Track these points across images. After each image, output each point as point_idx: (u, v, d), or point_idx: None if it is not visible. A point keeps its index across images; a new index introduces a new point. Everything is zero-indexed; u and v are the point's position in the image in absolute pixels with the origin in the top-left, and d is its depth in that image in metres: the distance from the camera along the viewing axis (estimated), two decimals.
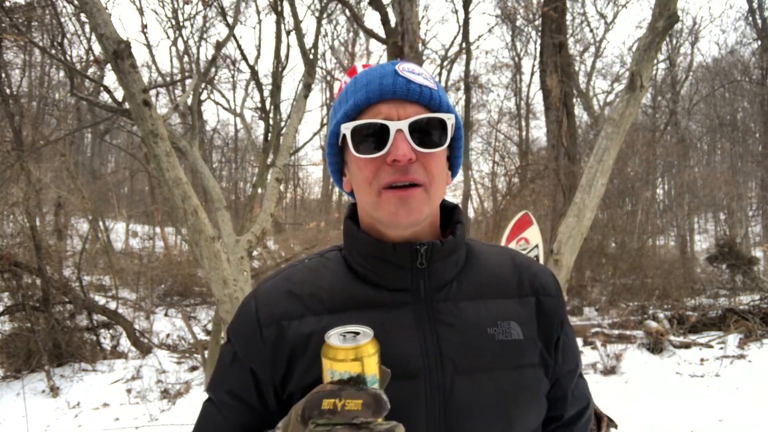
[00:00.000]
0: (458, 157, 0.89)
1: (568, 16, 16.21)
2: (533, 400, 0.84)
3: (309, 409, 0.62)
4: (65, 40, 9.52)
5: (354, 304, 0.80)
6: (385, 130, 0.76)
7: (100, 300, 9.04)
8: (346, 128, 0.79)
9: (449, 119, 0.80)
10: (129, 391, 5.99)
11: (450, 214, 0.90)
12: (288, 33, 9.01)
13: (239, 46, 9.26)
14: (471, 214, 20.60)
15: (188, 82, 9.83)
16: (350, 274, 0.85)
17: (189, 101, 6.93)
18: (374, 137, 0.77)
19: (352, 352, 0.62)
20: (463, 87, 18.91)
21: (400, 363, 0.67)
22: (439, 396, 0.77)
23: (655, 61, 4.45)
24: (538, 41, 14.84)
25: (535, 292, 0.89)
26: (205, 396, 0.88)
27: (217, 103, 20.77)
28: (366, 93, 0.79)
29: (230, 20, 8.80)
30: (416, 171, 0.77)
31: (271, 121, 8.60)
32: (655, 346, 7.12)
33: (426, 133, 0.78)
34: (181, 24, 13.64)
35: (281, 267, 0.92)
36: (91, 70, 12.84)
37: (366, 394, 0.61)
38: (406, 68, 0.81)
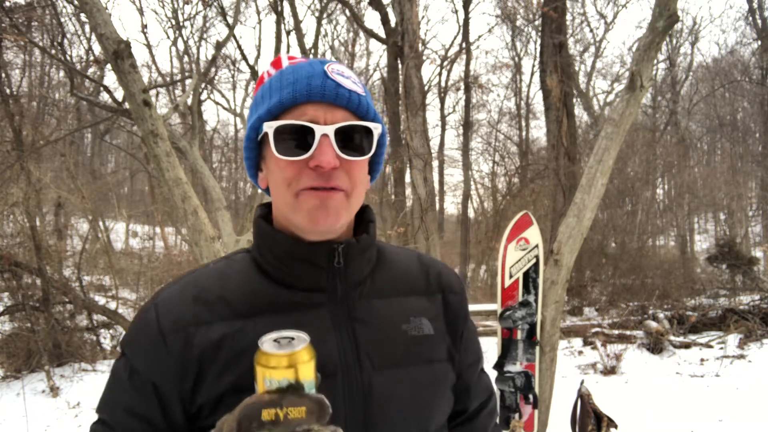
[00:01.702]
0: (379, 164, 0.89)
1: (568, 16, 16.22)
2: (444, 394, 0.86)
3: (246, 421, 0.56)
4: (65, 40, 9.52)
5: (267, 306, 0.77)
6: (310, 132, 0.74)
7: (100, 300, 9.04)
8: (269, 127, 0.75)
9: (376, 128, 0.79)
10: None
11: (361, 213, 0.89)
12: (288, 33, 9.03)
13: (239, 46, 9.27)
14: (471, 214, 20.59)
15: (188, 82, 9.83)
16: (261, 275, 0.81)
17: (189, 101, 6.94)
18: (298, 139, 0.75)
19: (289, 358, 0.58)
20: (463, 87, 18.93)
21: (319, 363, 0.63)
22: (359, 394, 0.77)
23: (655, 61, 4.46)
24: (538, 41, 14.84)
25: (441, 290, 0.91)
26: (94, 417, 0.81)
27: (217, 103, 20.79)
28: (293, 92, 0.76)
29: (230, 20, 8.81)
30: (339, 177, 0.76)
31: None
32: (655, 346, 7.12)
33: (351, 140, 0.76)
34: (181, 24, 13.65)
35: (183, 273, 0.86)
36: (91, 70, 12.85)
37: (309, 401, 0.58)
38: (335, 70, 0.78)
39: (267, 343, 0.60)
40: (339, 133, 0.75)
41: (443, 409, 0.86)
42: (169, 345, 0.74)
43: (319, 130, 0.74)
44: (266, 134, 0.76)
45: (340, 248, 0.79)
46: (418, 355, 0.83)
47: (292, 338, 0.61)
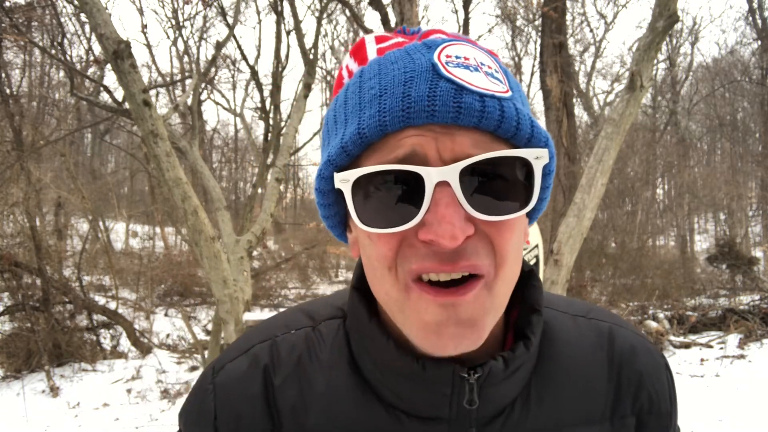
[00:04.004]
0: (544, 200, 0.57)
1: (568, 16, 16.22)
2: None
3: None
4: (65, 40, 9.53)
5: None
6: (416, 182, 0.45)
7: (100, 300, 9.04)
8: (343, 181, 0.47)
9: (539, 157, 0.47)
10: (129, 391, 5.99)
11: (518, 284, 0.57)
12: (288, 33, 9.02)
13: (239, 46, 9.27)
14: None
15: (188, 82, 9.83)
16: (356, 377, 0.56)
17: (189, 101, 6.94)
18: (396, 196, 0.46)
19: None
20: None
21: None
22: None
23: (655, 61, 4.45)
24: (538, 41, 14.84)
25: (638, 410, 0.58)
26: None
27: (217, 103, 20.78)
28: (380, 112, 0.46)
29: (230, 20, 8.81)
30: (475, 253, 0.46)
31: (271, 121, 8.61)
32: (655, 346, 7.13)
33: (495, 185, 0.46)
34: (181, 24, 13.65)
35: (254, 326, 0.64)
36: (91, 70, 12.85)
37: None
38: (453, 57, 0.47)
39: None
40: (469, 174, 0.45)
41: None
42: None
43: (431, 175, 0.44)
44: (342, 192, 0.49)
45: (474, 378, 0.51)
46: None
47: None
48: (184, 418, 0.62)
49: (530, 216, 0.57)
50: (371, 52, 0.53)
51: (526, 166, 0.46)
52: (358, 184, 0.46)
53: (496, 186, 0.45)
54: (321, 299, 0.64)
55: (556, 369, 0.56)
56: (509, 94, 0.47)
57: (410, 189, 0.44)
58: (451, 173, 0.44)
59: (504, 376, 0.52)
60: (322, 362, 0.57)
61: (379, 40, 0.54)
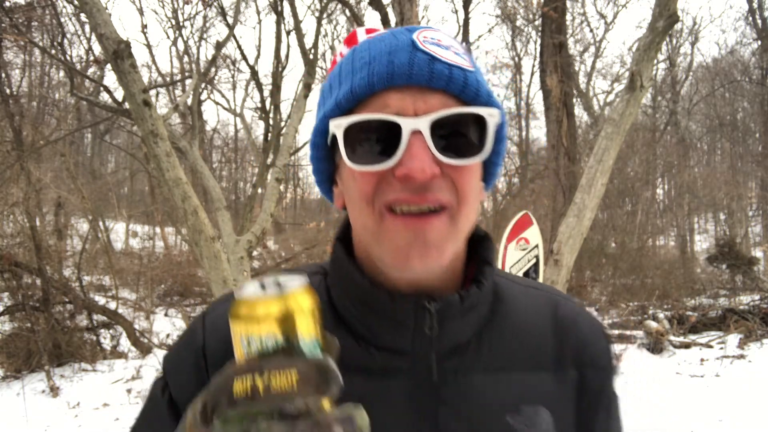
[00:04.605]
0: (497, 165, 0.65)
1: (568, 16, 16.22)
2: None
3: (213, 398, 0.41)
4: (65, 40, 9.53)
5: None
6: (395, 130, 0.54)
7: (100, 300, 9.04)
8: (337, 126, 0.55)
9: (491, 116, 0.56)
10: (129, 391, 5.99)
11: (475, 246, 0.66)
12: (288, 33, 9.03)
13: (239, 46, 9.28)
14: None
15: (188, 82, 9.83)
16: (332, 313, 0.62)
17: (189, 101, 6.94)
18: (379, 140, 0.54)
19: (276, 304, 0.41)
20: None
21: None
22: None
23: (655, 61, 4.45)
24: (538, 41, 14.83)
25: (577, 363, 0.65)
26: None
27: (217, 103, 20.78)
28: (369, 75, 0.55)
29: (230, 20, 8.81)
30: (440, 189, 0.55)
31: (271, 121, 8.62)
32: (655, 346, 7.12)
33: (457, 136, 0.55)
34: (181, 24, 13.65)
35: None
36: (91, 70, 12.85)
37: (302, 363, 0.41)
38: (429, 38, 0.57)
39: (249, 287, 0.44)
40: (437, 127, 0.54)
41: None
42: (209, 372, 0.60)
43: (407, 125, 0.53)
44: (335, 137, 0.57)
45: (434, 308, 0.58)
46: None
47: (282, 282, 0.44)
48: (167, 358, 0.66)
49: (486, 181, 0.66)
50: (362, 38, 0.66)
51: (481, 122, 0.56)
52: (349, 130, 0.55)
53: (458, 136, 0.55)
54: (306, 263, 0.74)
55: (506, 323, 0.64)
56: (472, 69, 0.58)
57: (390, 135, 0.54)
58: (423, 124, 0.53)
59: (459, 312, 0.60)
60: None
61: (369, 32, 0.67)
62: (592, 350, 0.66)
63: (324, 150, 0.62)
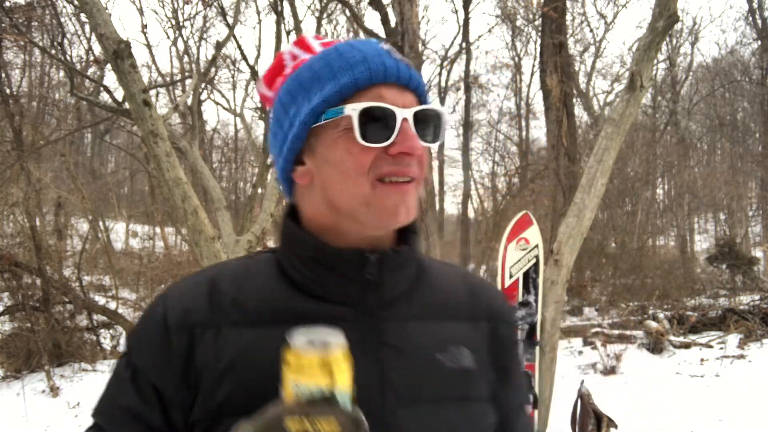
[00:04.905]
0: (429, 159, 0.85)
1: (568, 16, 16.21)
2: None
3: (267, 428, 0.50)
4: (65, 40, 9.52)
5: (284, 316, 0.68)
6: (391, 116, 0.67)
7: (100, 300, 9.04)
8: (353, 109, 0.67)
9: (444, 113, 0.74)
10: None
11: None
12: (288, 33, 9.03)
13: (239, 46, 9.28)
14: (471, 214, 20.58)
15: (188, 82, 9.84)
16: (283, 280, 0.73)
17: (189, 101, 6.94)
18: (379, 123, 0.67)
19: (323, 360, 0.50)
20: (463, 87, 18.92)
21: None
22: (377, 430, 0.64)
23: (655, 61, 4.45)
24: (538, 41, 14.84)
25: (489, 317, 0.80)
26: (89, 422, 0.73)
27: (217, 103, 20.77)
28: (369, 70, 0.68)
29: (230, 20, 8.81)
30: (413, 165, 0.70)
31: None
32: (655, 346, 7.12)
33: (427, 125, 0.71)
34: (181, 24, 13.66)
35: (204, 268, 0.80)
36: (91, 70, 12.85)
37: (343, 414, 0.51)
38: (395, 53, 0.72)
39: (299, 340, 0.52)
40: (416, 117, 0.69)
41: None
42: (173, 346, 0.68)
43: (400, 113, 0.68)
44: (346, 117, 0.68)
45: (374, 258, 0.70)
46: (452, 391, 0.72)
47: (325, 339, 0.52)
48: (131, 337, 0.74)
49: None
50: (315, 45, 0.76)
51: (440, 117, 0.73)
52: (362, 113, 0.67)
53: (427, 125, 0.71)
54: (255, 250, 0.87)
55: (430, 285, 0.78)
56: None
57: (388, 120, 0.68)
58: (409, 114, 0.69)
59: (396, 264, 0.73)
60: (258, 272, 0.75)
61: (317, 38, 0.78)
62: (500, 308, 0.83)
63: (306, 131, 0.71)
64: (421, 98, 0.74)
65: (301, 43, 0.77)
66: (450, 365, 0.72)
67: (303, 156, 0.73)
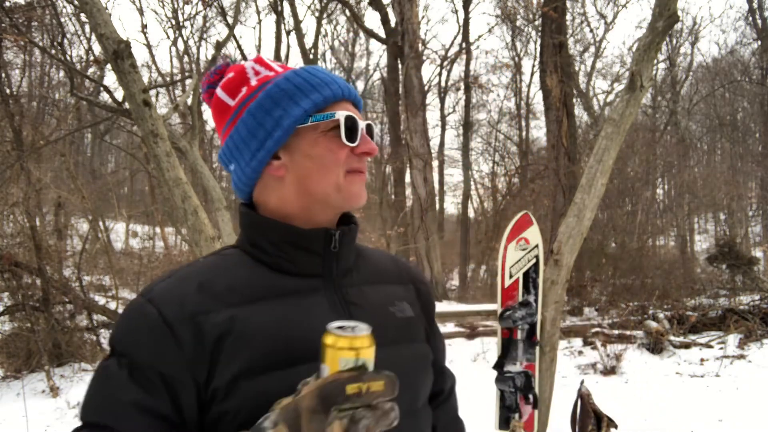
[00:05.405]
0: None
1: (568, 16, 16.21)
2: (428, 370, 0.96)
3: (331, 396, 0.62)
4: (65, 40, 9.53)
5: (270, 292, 0.82)
6: (356, 124, 0.87)
7: (100, 300, 9.03)
8: (341, 116, 0.86)
9: (373, 126, 0.96)
10: None
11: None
12: (288, 33, 9.04)
13: (239, 46, 9.30)
14: (471, 214, 20.58)
15: (188, 82, 9.83)
16: (258, 265, 0.86)
17: (189, 101, 6.93)
18: (351, 129, 0.86)
19: (361, 341, 0.67)
20: (463, 87, 18.92)
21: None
22: None
23: (655, 61, 4.45)
24: (538, 41, 14.83)
25: (412, 280, 1.03)
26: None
27: None
28: (339, 89, 0.88)
29: (230, 20, 8.81)
30: (365, 162, 0.91)
31: None
32: (655, 346, 7.12)
33: (370, 134, 0.91)
34: (181, 24, 13.67)
35: (168, 272, 0.88)
36: (91, 70, 12.86)
37: (385, 376, 0.65)
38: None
39: (336, 328, 0.67)
40: (367, 127, 0.90)
41: (427, 387, 0.95)
42: (178, 335, 0.75)
43: (361, 123, 0.87)
44: (334, 121, 0.86)
45: (337, 234, 0.88)
46: (405, 335, 0.91)
47: (354, 326, 0.68)
48: (121, 340, 0.77)
49: None
50: (274, 65, 0.92)
51: (373, 128, 0.92)
52: (347, 119, 0.85)
53: (369, 132, 0.90)
54: (216, 249, 0.98)
55: (367, 260, 0.97)
56: None
57: (355, 127, 0.87)
58: (364, 124, 0.88)
59: (349, 239, 0.90)
60: (234, 263, 0.86)
61: (258, 60, 0.94)
62: (417, 274, 1.07)
63: (288, 132, 0.86)
64: (360, 112, 0.93)
65: (261, 62, 0.92)
66: (399, 315, 0.92)
67: (279, 152, 0.87)
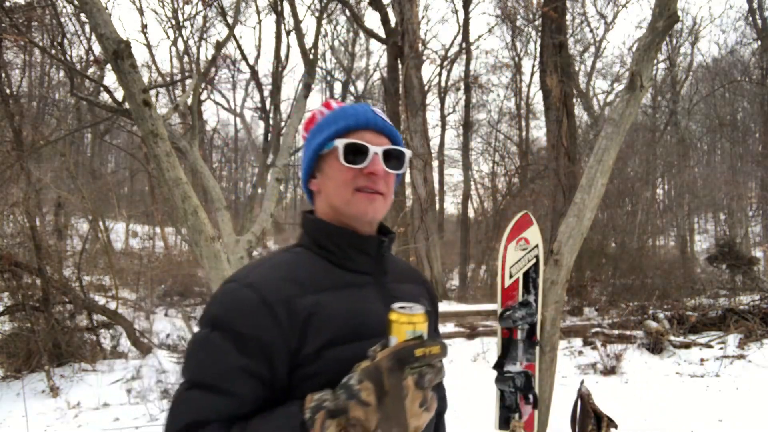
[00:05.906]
0: (399, 177, 1.17)
1: (568, 16, 16.20)
2: None
3: (404, 358, 0.81)
4: (65, 40, 9.52)
5: (339, 283, 1.01)
6: (366, 150, 1.03)
7: (100, 300, 9.02)
8: (340, 142, 1.03)
9: (407, 153, 1.11)
10: (129, 391, 5.98)
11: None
12: (288, 33, 9.04)
13: (239, 46, 9.30)
14: (471, 214, 20.56)
15: (188, 82, 9.83)
16: (323, 262, 1.05)
17: (189, 101, 6.93)
18: (359, 153, 1.03)
19: (422, 317, 0.87)
20: (463, 87, 18.90)
21: (382, 326, 0.89)
22: None
23: (655, 61, 4.45)
24: (538, 41, 14.84)
25: (423, 282, 1.25)
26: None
27: (217, 103, 20.78)
28: (356, 120, 1.05)
29: (230, 20, 8.81)
30: (381, 184, 1.04)
31: (271, 121, 8.63)
32: (655, 346, 7.12)
33: (391, 159, 1.05)
34: (181, 24, 13.66)
35: (257, 259, 1.07)
36: (91, 70, 12.85)
37: (440, 343, 0.85)
38: (378, 112, 1.10)
39: (399, 308, 0.87)
40: (385, 153, 1.04)
41: None
42: (277, 313, 0.92)
43: (372, 148, 1.03)
44: (335, 147, 1.03)
45: (386, 241, 1.09)
46: (429, 325, 1.06)
47: (411, 306, 0.88)
48: (224, 315, 0.93)
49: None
50: (334, 105, 1.12)
51: (402, 154, 1.08)
52: (347, 145, 1.03)
53: (392, 159, 1.06)
54: (282, 247, 1.18)
55: (394, 265, 1.16)
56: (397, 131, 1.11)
57: (364, 152, 1.03)
58: (380, 150, 1.04)
59: (389, 246, 1.11)
60: (307, 259, 1.05)
61: (338, 102, 1.14)
62: (423, 275, 1.29)
63: (317, 156, 1.08)
64: (393, 140, 1.09)
65: (327, 105, 1.14)
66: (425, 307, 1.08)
67: (315, 172, 1.10)
